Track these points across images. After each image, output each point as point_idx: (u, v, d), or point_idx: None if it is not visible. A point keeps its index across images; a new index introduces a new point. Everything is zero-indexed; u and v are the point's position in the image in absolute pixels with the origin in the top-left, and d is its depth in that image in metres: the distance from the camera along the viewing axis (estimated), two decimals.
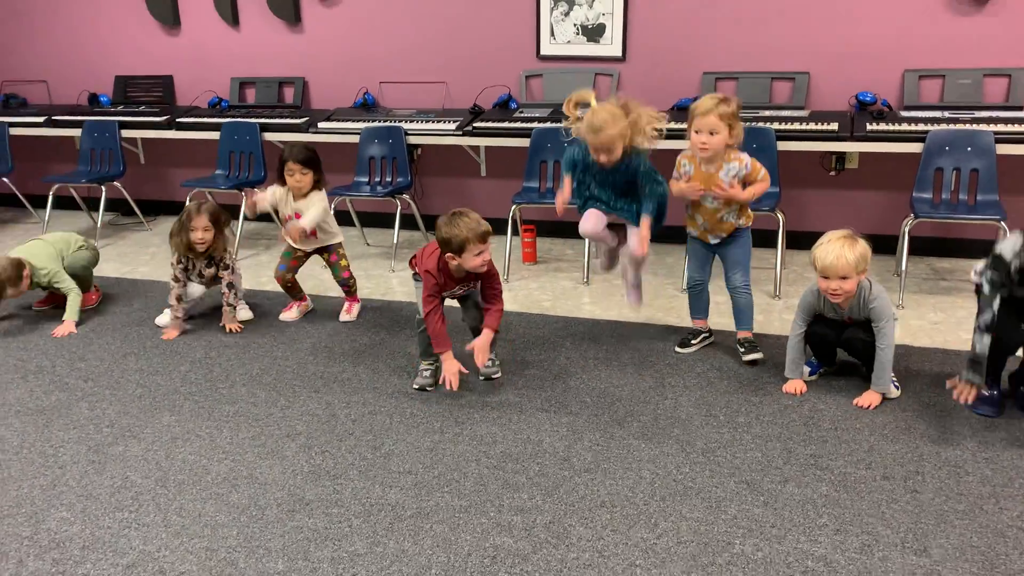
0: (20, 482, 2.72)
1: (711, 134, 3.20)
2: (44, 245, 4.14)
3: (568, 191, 3.36)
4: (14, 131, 6.04)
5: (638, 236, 3.31)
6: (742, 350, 3.42)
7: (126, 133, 5.80)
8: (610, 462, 2.73)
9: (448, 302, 3.29)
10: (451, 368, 3.14)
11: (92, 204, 6.23)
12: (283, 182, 3.87)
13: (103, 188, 5.69)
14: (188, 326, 3.99)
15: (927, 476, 2.59)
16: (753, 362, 3.38)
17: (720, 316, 3.76)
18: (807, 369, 3.26)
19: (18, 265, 3.95)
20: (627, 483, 2.61)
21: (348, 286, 4.11)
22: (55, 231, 4.39)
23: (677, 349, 3.59)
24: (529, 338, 3.77)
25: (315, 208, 3.85)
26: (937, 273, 4.54)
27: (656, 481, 2.61)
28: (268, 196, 3.90)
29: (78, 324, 4.05)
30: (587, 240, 4.13)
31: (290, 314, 4.07)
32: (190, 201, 5.25)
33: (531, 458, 2.77)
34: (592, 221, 3.41)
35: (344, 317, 4.06)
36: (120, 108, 6.02)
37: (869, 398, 3.04)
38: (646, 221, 3.26)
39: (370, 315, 4.12)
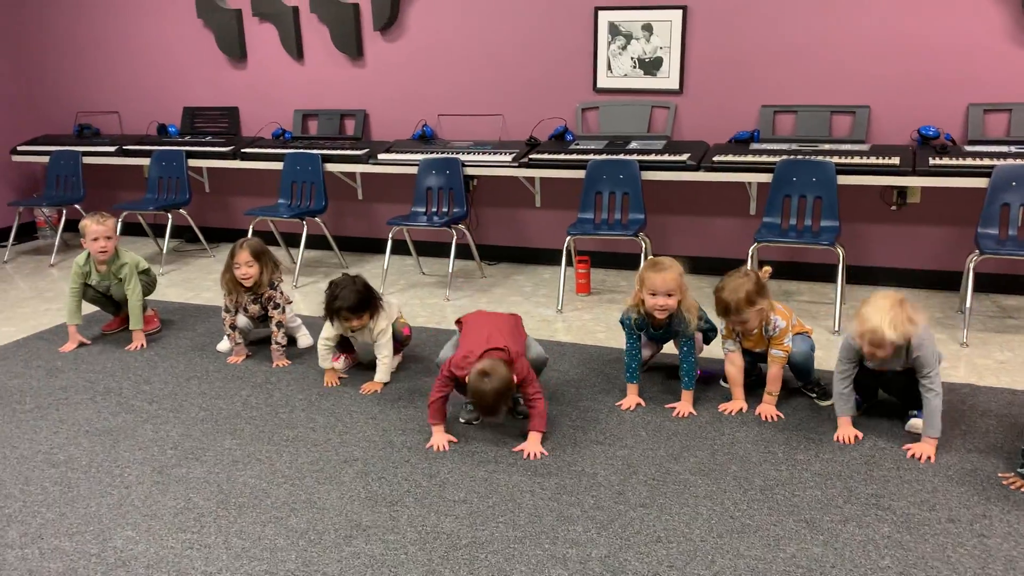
0: (88, 500, 2.81)
1: (745, 322, 3.23)
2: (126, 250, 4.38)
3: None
4: (87, 160, 6.28)
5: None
6: (813, 395, 3.38)
7: (192, 162, 5.99)
8: (666, 497, 2.71)
9: None
10: (440, 440, 3.11)
11: (158, 231, 6.43)
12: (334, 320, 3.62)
13: (169, 215, 5.87)
14: (250, 351, 4.08)
15: (995, 520, 2.52)
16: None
17: None
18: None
19: (114, 229, 4.29)
20: (683, 519, 2.59)
21: (403, 343, 3.89)
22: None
23: (722, 383, 3.55)
24: (584, 370, 3.77)
25: (387, 349, 3.66)
26: (1004, 311, 4.42)
27: (713, 518, 2.59)
28: (325, 332, 3.68)
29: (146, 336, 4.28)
30: None
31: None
32: (252, 231, 5.43)
33: (586, 491, 2.76)
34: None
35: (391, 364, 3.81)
36: (187, 138, 6.22)
37: (923, 449, 2.89)
38: (688, 396, 3.35)
39: (425, 343, 4.16)
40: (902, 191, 4.64)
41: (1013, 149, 4.27)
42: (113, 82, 6.62)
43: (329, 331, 3.66)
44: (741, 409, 3.29)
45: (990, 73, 4.41)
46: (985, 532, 2.46)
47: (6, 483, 2.94)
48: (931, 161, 4.23)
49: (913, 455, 2.90)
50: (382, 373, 3.68)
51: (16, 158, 6.60)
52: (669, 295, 3.22)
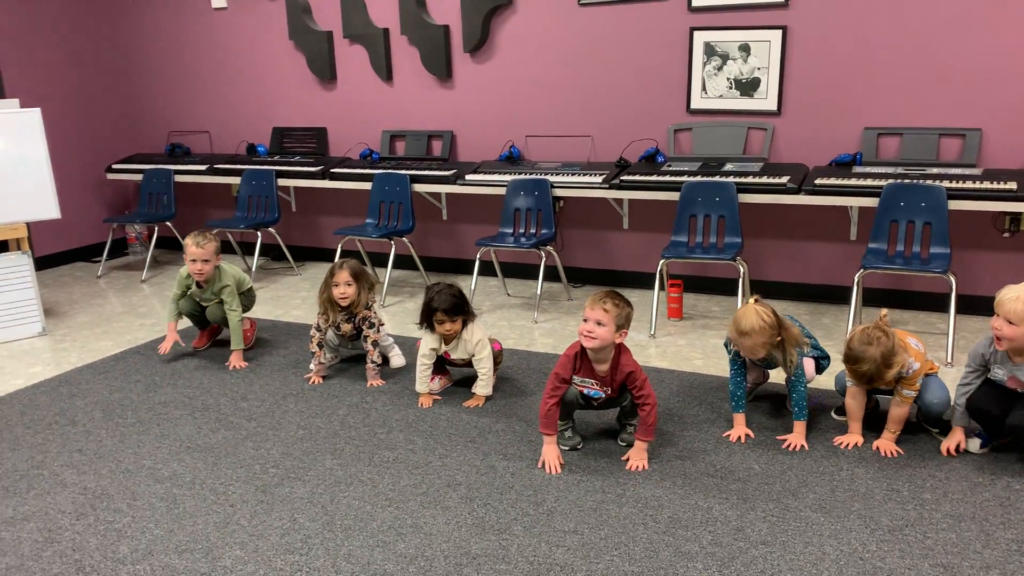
0: (195, 518, 2.80)
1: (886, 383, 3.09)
2: (232, 267, 4.42)
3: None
4: (178, 178, 6.42)
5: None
6: (935, 431, 3.21)
7: (281, 182, 6.07)
8: (787, 535, 2.58)
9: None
10: (552, 457, 3.06)
11: (246, 248, 6.53)
12: (430, 326, 3.64)
13: (259, 234, 5.95)
14: (328, 372, 4.07)
15: None
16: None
17: None
18: (978, 441, 3.05)
19: (218, 249, 4.32)
20: (809, 559, 2.45)
21: (496, 359, 3.82)
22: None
23: (833, 415, 3.40)
24: (685, 398, 3.66)
25: (487, 363, 3.65)
26: None
27: (841, 559, 2.45)
28: (423, 348, 3.68)
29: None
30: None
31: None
32: (340, 250, 5.46)
33: (701, 525, 2.65)
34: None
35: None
36: (276, 158, 6.31)
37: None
38: (800, 428, 3.21)
39: (516, 366, 4.10)
40: (1015, 217, 4.42)
41: None
42: (204, 103, 6.77)
43: (427, 345, 3.65)
44: (857, 444, 3.14)
45: None
46: None
47: (114, 497, 2.95)
48: None
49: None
50: (483, 386, 3.65)
51: (111, 176, 6.78)
52: (751, 354, 3.17)
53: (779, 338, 3.12)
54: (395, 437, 3.36)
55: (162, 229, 6.42)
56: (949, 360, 3.97)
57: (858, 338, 3.03)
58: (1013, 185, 4.09)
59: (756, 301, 3.15)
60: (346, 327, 4.01)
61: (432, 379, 3.76)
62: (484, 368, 3.64)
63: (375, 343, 3.95)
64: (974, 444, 3.05)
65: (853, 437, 3.15)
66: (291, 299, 5.57)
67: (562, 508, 2.78)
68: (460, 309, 3.59)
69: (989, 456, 3.02)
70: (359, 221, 5.98)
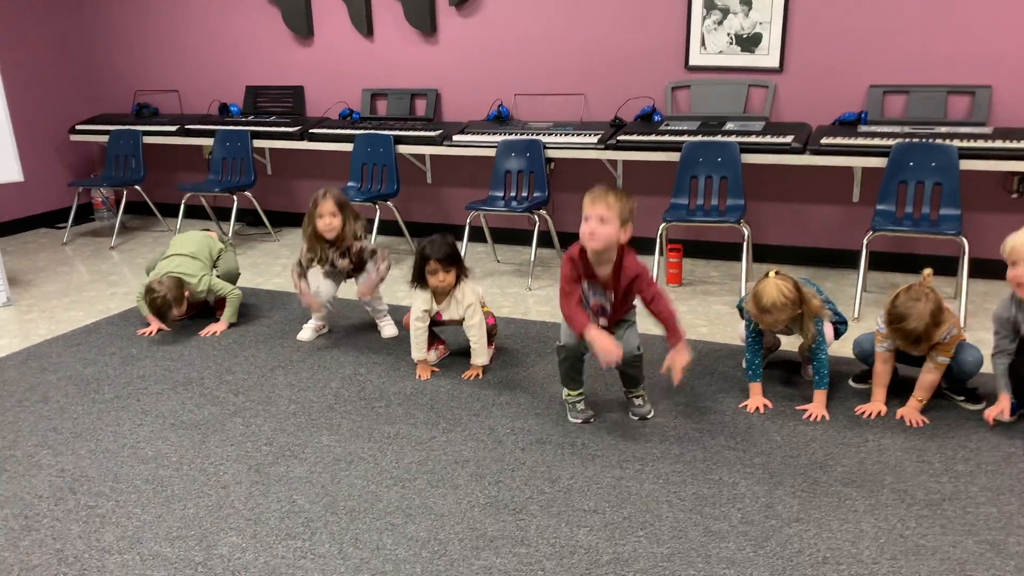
0: (185, 501, 2.59)
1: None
2: (188, 260, 4.07)
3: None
4: (147, 139, 6.10)
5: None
6: (961, 398, 3.08)
7: (256, 143, 5.78)
8: (821, 511, 2.45)
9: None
10: (604, 342, 2.73)
11: (220, 214, 6.25)
12: (423, 283, 3.40)
13: (235, 198, 5.67)
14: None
15: None
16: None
17: None
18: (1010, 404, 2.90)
19: (179, 284, 3.92)
20: (847, 537, 2.32)
21: (490, 333, 3.60)
22: (186, 233, 4.33)
23: (851, 383, 3.27)
24: (695, 368, 3.48)
25: (479, 334, 3.43)
26: None
27: (881, 536, 2.32)
28: (414, 312, 3.45)
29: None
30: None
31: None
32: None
33: (729, 502, 2.50)
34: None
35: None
36: (251, 118, 6.01)
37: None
38: (820, 398, 3.06)
39: (514, 335, 3.92)
40: (1023, 178, 4.31)
41: None
42: (172, 60, 6.42)
43: (418, 308, 3.43)
44: (880, 412, 3.01)
45: None
46: None
47: (94, 480, 2.74)
48: None
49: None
50: (478, 355, 3.46)
51: (74, 137, 6.44)
52: (779, 321, 2.99)
53: (800, 312, 2.97)
54: (394, 411, 3.17)
55: (131, 193, 6.10)
56: (962, 325, 3.86)
57: (904, 295, 2.88)
58: None
59: (776, 274, 2.97)
60: (342, 263, 3.81)
61: (428, 349, 3.56)
62: (475, 335, 3.43)
63: (383, 263, 3.81)
64: (1006, 412, 2.90)
65: (876, 405, 3.02)
66: (271, 266, 5.32)
67: (579, 485, 2.62)
68: (454, 259, 3.37)
69: (1019, 424, 2.90)
70: (339, 184, 5.71)
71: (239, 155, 5.79)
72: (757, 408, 3.08)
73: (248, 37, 6.10)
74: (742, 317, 3.27)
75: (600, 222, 2.72)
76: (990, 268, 4.46)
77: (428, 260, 3.33)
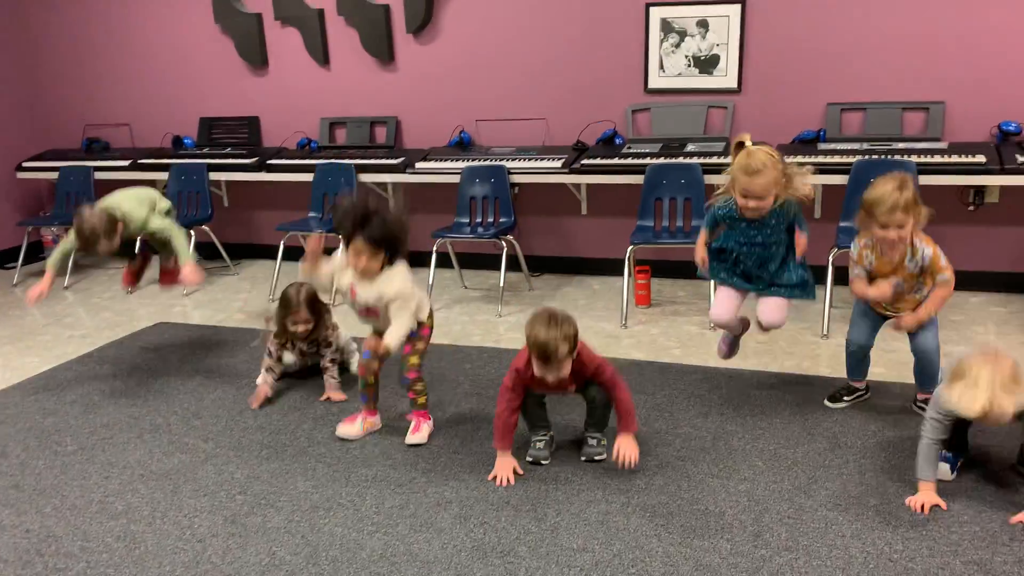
0: (160, 558, 2.50)
1: (900, 228, 2.84)
2: (130, 197, 3.89)
3: (702, 248, 3.23)
4: (98, 175, 5.95)
5: (778, 306, 3.16)
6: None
7: (212, 175, 5.68)
8: (809, 538, 2.44)
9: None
10: (505, 470, 2.82)
11: None
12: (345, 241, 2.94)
13: (191, 232, 5.54)
14: (276, 389, 3.65)
15: None
16: None
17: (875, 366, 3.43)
18: (945, 466, 2.67)
19: (112, 219, 3.69)
20: (837, 564, 2.32)
21: (413, 391, 3.13)
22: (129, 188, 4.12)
23: (827, 403, 3.28)
24: (671, 392, 3.50)
25: (403, 316, 2.93)
26: None
27: (870, 561, 2.32)
28: (327, 267, 3.02)
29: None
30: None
31: (352, 428, 3.20)
32: (283, 246, 5.13)
33: (717, 533, 2.49)
34: (726, 306, 3.25)
35: (411, 439, 3.11)
36: (205, 150, 5.90)
37: None
38: (802, 240, 3.10)
39: (486, 364, 3.88)
40: (980, 191, 4.40)
41: None
42: (123, 93, 6.29)
43: (327, 265, 2.97)
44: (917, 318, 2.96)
45: None
46: None
47: (62, 539, 2.63)
48: (1019, 158, 4.00)
49: None
50: (389, 334, 2.90)
51: (21, 175, 6.27)
52: (762, 198, 2.95)
53: (784, 177, 2.96)
54: (370, 452, 3.11)
55: None
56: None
57: (884, 176, 2.90)
58: (982, 158, 4.05)
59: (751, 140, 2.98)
60: (308, 350, 3.69)
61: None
62: (396, 319, 2.92)
63: (333, 360, 3.64)
64: (944, 471, 2.66)
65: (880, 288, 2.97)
66: (231, 301, 5.21)
67: (566, 523, 2.58)
68: (385, 244, 2.81)
69: (994, 438, 2.93)
70: (299, 215, 5.63)
71: (195, 188, 5.68)
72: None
73: (200, 68, 6.00)
74: (706, 218, 3.27)
75: (558, 373, 2.70)
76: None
77: (352, 237, 2.83)
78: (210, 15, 5.79)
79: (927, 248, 2.92)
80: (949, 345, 3.67)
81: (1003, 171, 4.00)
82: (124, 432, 3.37)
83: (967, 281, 4.56)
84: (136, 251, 4.25)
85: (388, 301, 2.92)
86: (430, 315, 3.17)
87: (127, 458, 3.15)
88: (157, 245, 4.12)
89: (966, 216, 4.52)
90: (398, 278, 2.92)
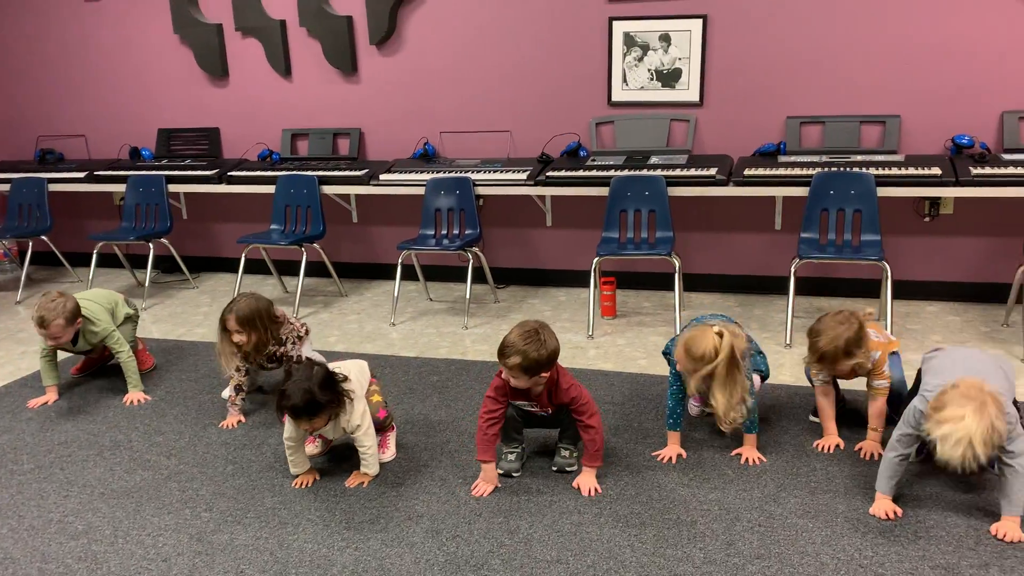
0: None
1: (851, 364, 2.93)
2: (95, 305, 3.80)
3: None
4: (52, 187, 5.82)
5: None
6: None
7: (171, 188, 5.59)
8: (780, 546, 2.46)
9: None
10: (488, 479, 2.83)
11: (133, 261, 6.00)
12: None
13: (151, 245, 5.45)
14: (244, 412, 3.55)
15: None
16: None
17: None
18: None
19: (77, 310, 3.62)
20: (808, 571, 2.34)
21: (381, 426, 3.12)
22: (97, 288, 4.12)
23: (812, 418, 3.26)
24: (640, 402, 3.51)
25: (369, 445, 2.93)
26: None
27: (840, 568, 2.34)
28: (285, 431, 2.94)
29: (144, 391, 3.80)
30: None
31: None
32: (244, 259, 5.07)
33: (689, 542, 2.50)
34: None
35: (381, 458, 3.07)
36: (164, 162, 5.81)
37: (1010, 531, 2.43)
38: (752, 441, 3.01)
39: (454, 377, 3.86)
40: (935, 202, 4.50)
41: None
42: (78, 103, 6.17)
43: (289, 428, 2.90)
44: (838, 445, 3.03)
45: (1022, 80, 4.31)
46: None
47: (20, 562, 2.55)
48: (972, 171, 4.10)
49: (1001, 537, 2.44)
50: (368, 465, 2.95)
51: None
52: (703, 379, 2.83)
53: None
54: (338, 466, 3.07)
55: (36, 244, 5.78)
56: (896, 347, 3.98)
57: (830, 317, 2.93)
58: (937, 170, 4.15)
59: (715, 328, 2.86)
60: (270, 366, 3.61)
61: (313, 439, 3.11)
62: (366, 445, 2.92)
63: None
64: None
65: (831, 439, 3.04)
66: (191, 315, 5.12)
67: (539, 535, 2.57)
68: (319, 407, 2.75)
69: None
70: (259, 227, 5.57)
71: (153, 201, 5.58)
72: (671, 458, 3.00)
73: (159, 78, 5.91)
74: (668, 362, 3.17)
75: (514, 378, 2.72)
76: (910, 290, 4.66)
77: (284, 411, 2.78)
78: (169, 25, 5.71)
79: (875, 354, 2.96)
80: (908, 353, 3.74)
81: (958, 183, 4.09)
82: (83, 449, 3.29)
83: (923, 291, 4.68)
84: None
85: (354, 424, 2.90)
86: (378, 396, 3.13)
87: (87, 476, 3.07)
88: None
89: (922, 227, 4.62)
90: (355, 414, 2.90)
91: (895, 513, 2.57)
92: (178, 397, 3.77)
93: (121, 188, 5.68)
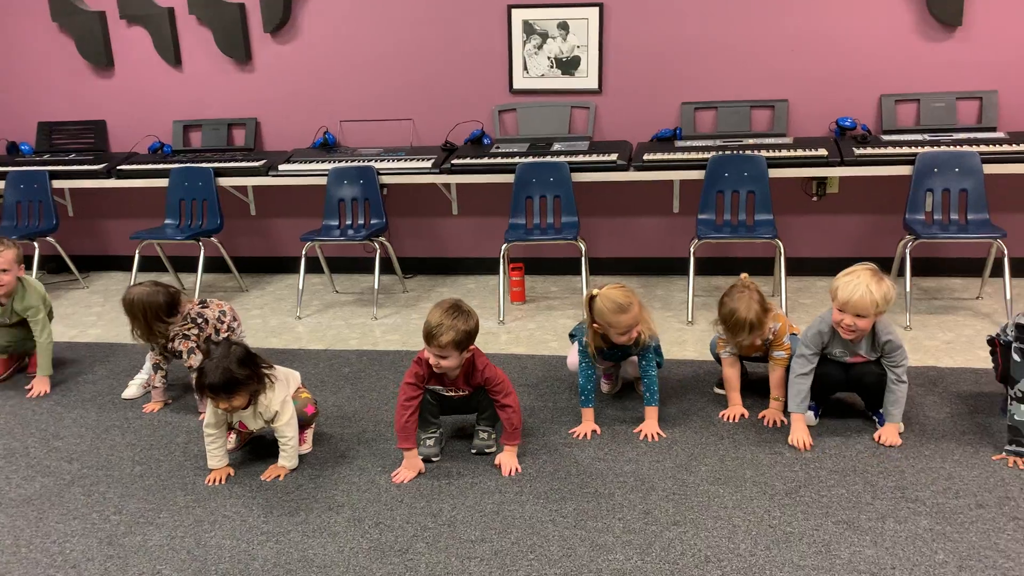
0: None
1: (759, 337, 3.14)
2: (36, 282, 3.84)
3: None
4: None
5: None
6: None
7: (55, 183, 5.32)
8: (695, 512, 2.56)
9: None
10: (411, 466, 2.84)
11: None
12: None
13: (36, 244, 5.18)
14: (169, 397, 3.56)
15: (1020, 501, 2.53)
16: None
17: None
18: (810, 413, 3.04)
19: (22, 258, 3.74)
20: (723, 534, 2.44)
21: (308, 423, 3.09)
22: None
23: (716, 390, 3.41)
24: (553, 383, 3.57)
25: (290, 436, 2.91)
26: (927, 293, 4.60)
27: (752, 528, 2.46)
28: (206, 418, 2.91)
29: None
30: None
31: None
32: (138, 255, 4.89)
33: (609, 514, 2.57)
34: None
35: (300, 451, 3.00)
36: (46, 157, 5.52)
37: (890, 436, 2.88)
38: (652, 414, 3.11)
39: (366, 369, 3.84)
40: (822, 182, 4.74)
41: (926, 137, 4.45)
42: None
43: (210, 415, 2.88)
44: (743, 415, 3.16)
45: (898, 66, 4.58)
46: (1018, 515, 2.47)
47: None
48: (856, 151, 4.34)
49: (884, 443, 2.88)
50: (286, 457, 2.91)
51: None
52: (631, 329, 2.98)
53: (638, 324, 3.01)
54: (253, 461, 3.01)
55: None
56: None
57: (728, 296, 3.08)
58: (824, 152, 4.36)
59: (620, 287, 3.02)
60: (173, 346, 3.50)
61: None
62: (287, 436, 2.89)
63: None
64: (809, 417, 3.03)
65: (736, 409, 3.17)
66: (83, 316, 4.90)
67: (462, 516, 2.59)
68: (237, 383, 2.74)
69: (849, 408, 3.17)
70: (153, 223, 5.37)
71: (36, 197, 5.30)
72: (586, 435, 3.08)
73: (37, 69, 5.61)
74: (572, 342, 3.29)
75: (441, 359, 2.75)
76: (802, 266, 4.88)
77: (204, 390, 2.77)
78: (46, 12, 5.43)
79: (776, 324, 3.13)
80: (800, 327, 3.92)
81: (843, 163, 4.32)
82: None
83: (813, 267, 4.92)
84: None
85: (273, 412, 2.88)
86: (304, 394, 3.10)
87: None
88: (15, 340, 3.84)
89: (810, 206, 4.85)
90: (277, 393, 2.89)
91: (808, 445, 2.87)
92: (75, 400, 3.61)
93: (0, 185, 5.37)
